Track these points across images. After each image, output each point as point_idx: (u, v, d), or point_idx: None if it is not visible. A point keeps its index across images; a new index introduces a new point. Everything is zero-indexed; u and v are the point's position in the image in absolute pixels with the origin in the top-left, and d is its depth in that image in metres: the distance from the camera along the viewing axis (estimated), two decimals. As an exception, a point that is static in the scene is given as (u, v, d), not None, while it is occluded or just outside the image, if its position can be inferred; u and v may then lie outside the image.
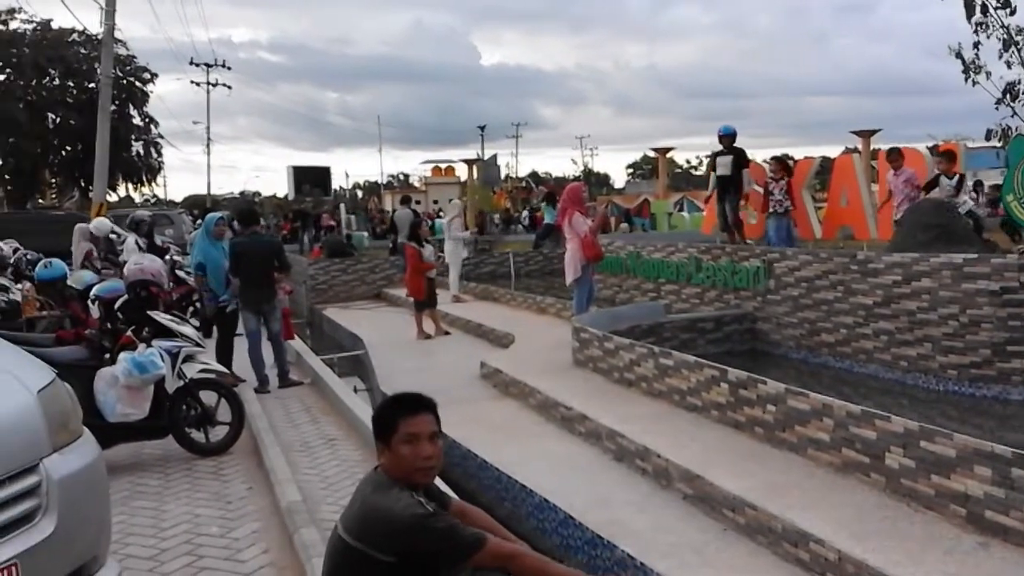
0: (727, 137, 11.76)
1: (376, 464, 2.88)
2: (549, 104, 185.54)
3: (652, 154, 52.45)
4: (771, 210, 11.59)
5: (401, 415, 2.77)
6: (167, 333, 6.10)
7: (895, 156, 11.00)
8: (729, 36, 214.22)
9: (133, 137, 36.85)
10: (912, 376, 8.06)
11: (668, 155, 32.41)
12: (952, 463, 4.35)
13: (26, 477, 2.60)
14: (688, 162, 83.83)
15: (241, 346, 8.58)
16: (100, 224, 12.32)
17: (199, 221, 18.97)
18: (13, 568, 2.45)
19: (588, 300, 10.16)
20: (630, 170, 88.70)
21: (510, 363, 9.14)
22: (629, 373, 7.60)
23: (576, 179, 61.25)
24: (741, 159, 11.73)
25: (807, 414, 5.39)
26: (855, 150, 20.81)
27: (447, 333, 12.26)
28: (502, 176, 49.68)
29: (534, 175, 76.97)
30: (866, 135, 20.16)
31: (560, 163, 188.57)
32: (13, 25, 35.07)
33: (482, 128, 64.69)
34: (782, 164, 12.07)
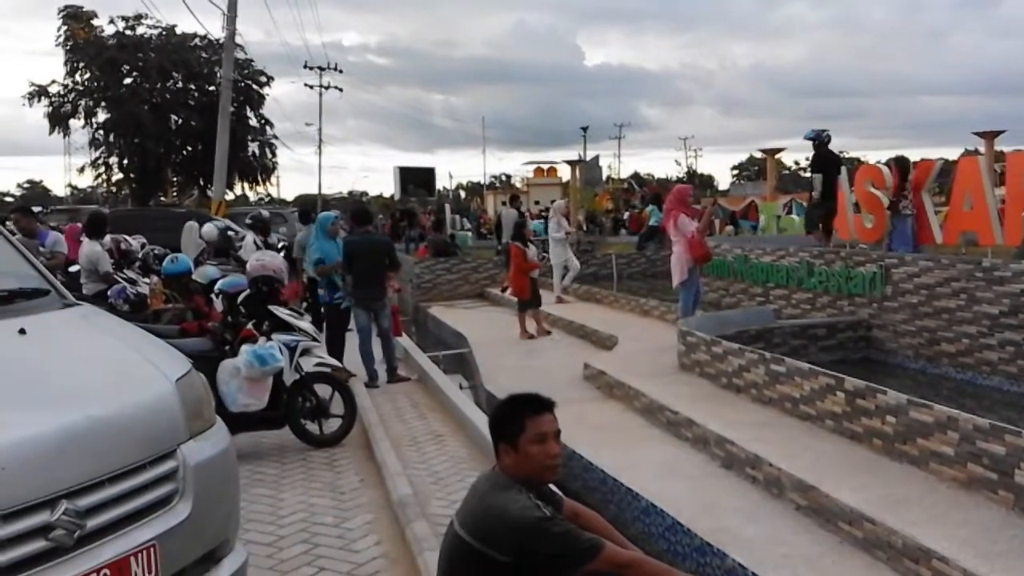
0: (811, 141, 11.71)
1: (494, 464, 2.91)
2: (652, 104, 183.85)
3: (759, 155, 51.31)
4: (893, 213, 11.14)
5: (527, 415, 2.80)
6: (286, 327, 6.32)
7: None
8: (840, 33, 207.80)
9: (249, 138, 38.28)
10: (1041, 390, 7.65)
11: (776, 156, 31.61)
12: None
13: (165, 462, 2.73)
14: (797, 163, 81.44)
15: (352, 342, 8.81)
16: (209, 230, 12.90)
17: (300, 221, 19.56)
18: (152, 549, 2.57)
19: (694, 304, 10.02)
20: (735, 171, 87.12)
21: (614, 365, 9.09)
22: (738, 379, 7.45)
23: (681, 181, 60.47)
24: (818, 162, 11.65)
25: (930, 427, 5.18)
26: (975, 152, 19.88)
27: (549, 333, 12.26)
28: (604, 177, 49.51)
29: (636, 176, 76.46)
30: (989, 136, 19.22)
31: (663, 164, 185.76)
32: (140, 30, 36.91)
33: (584, 129, 64.66)
34: (902, 166, 11.61)
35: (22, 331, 2.75)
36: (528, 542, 2.65)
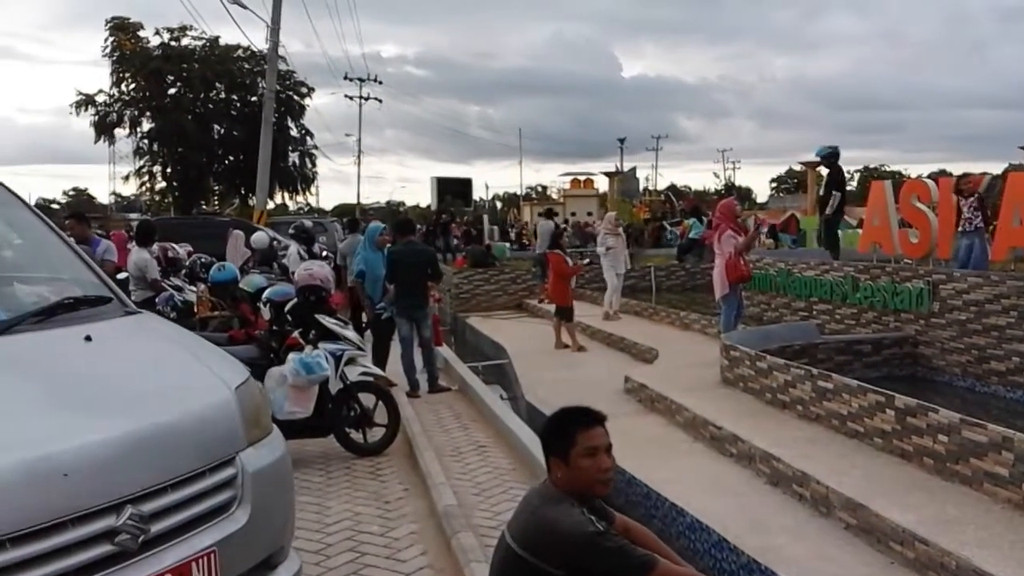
0: (824, 159, 12.05)
1: (545, 477, 2.91)
2: (691, 116, 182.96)
3: (798, 167, 50.83)
4: (960, 229, 10.97)
5: (578, 428, 2.79)
6: (332, 336, 6.37)
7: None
8: (883, 46, 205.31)
9: (290, 148, 38.80)
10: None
11: (817, 168, 31.29)
12: None
13: (224, 469, 2.75)
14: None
15: (393, 351, 8.86)
16: (258, 238, 13.10)
17: (347, 230, 19.72)
18: (212, 555, 2.59)
19: (736, 318, 9.94)
20: (773, 184, 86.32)
21: (655, 378, 9.04)
22: (783, 394, 7.37)
23: (719, 193, 60.04)
24: (836, 179, 11.95)
25: (984, 446, 5.08)
26: (1020, 166, 19.49)
27: (582, 349, 12.18)
28: (641, 189, 49.34)
29: (672, 188, 76.05)
30: (1037, 150, 18.86)
31: (701, 176, 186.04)
32: (184, 41, 37.59)
33: (622, 141, 64.55)
34: (967, 180, 11.42)
35: (88, 338, 2.80)
36: (581, 556, 2.64)
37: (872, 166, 79.88)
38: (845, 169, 12.63)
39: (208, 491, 2.68)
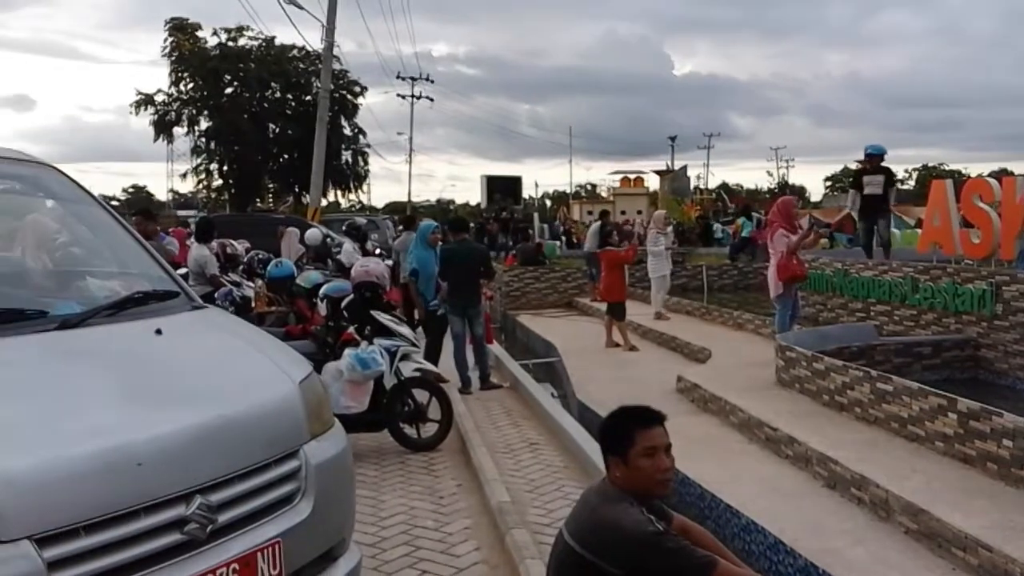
0: (877, 157, 11.95)
1: (604, 476, 2.90)
2: (743, 114, 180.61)
3: (854, 166, 49.88)
4: None
5: (638, 428, 2.78)
6: (387, 332, 6.44)
7: None
8: (941, 42, 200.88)
9: (343, 146, 39.25)
10: None
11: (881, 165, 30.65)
12: None
13: (288, 461, 2.80)
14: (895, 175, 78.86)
15: (446, 348, 8.91)
16: (314, 235, 13.29)
17: (400, 227, 19.89)
18: (276, 545, 2.63)
19: (791, 319, 9.80)
20: (828, 183, 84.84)
21: (708, 378, 8.96)
22: (841, 396, 7.25)
23: (772, 192, 59.16)
24: (891, 178, 11.89)
25: (1051, 452, 4.95)
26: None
27: (634, 348, 12.11)
28: (692, 188, 48.86)
29: (724, 187, 75.20)
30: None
31: (753, 175, 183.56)
32: (241, 42, 38.25)
33: (672, 139, 64.03)
34: None
35: (158, 331, 2.87)
36: (641, 557, 2.63)
37: (931, 165, 78.09)
38: (902, 168, 12.53)
39: (273, 483, 2.72)
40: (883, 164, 11.99)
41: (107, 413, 2.43)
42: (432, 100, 52.27)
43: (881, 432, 6.59)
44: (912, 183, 64.01)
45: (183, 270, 9.51)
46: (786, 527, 5.21)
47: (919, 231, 15.38)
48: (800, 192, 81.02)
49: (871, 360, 8.70)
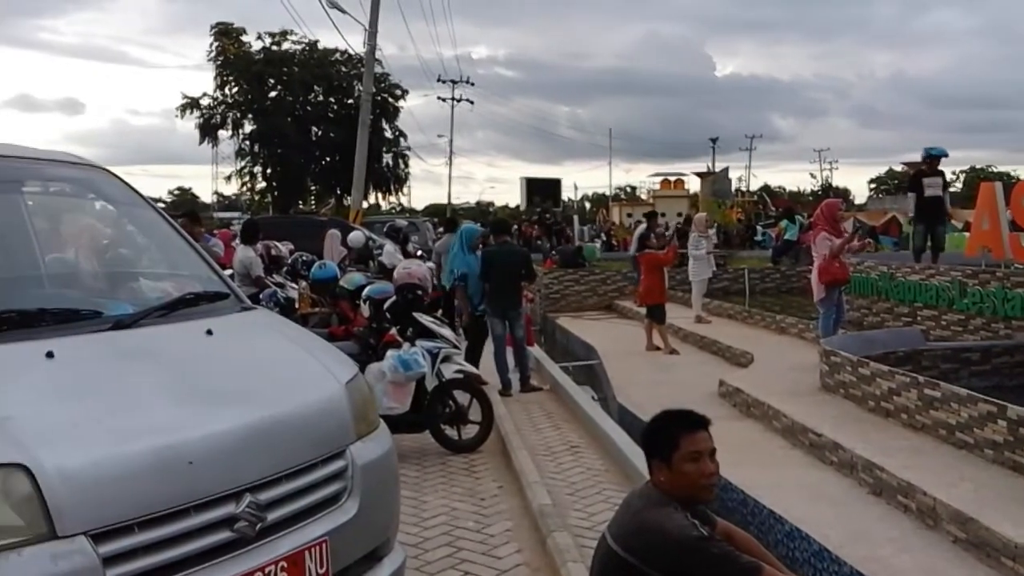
0: (937, 159, 11.81)
1: (647, 479, 2.90)
2: (785, 116, 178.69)
3: (900, 168, 49.12)
4: None
5: (682, 432, 2.77)
6: (429, 334, 6.48)
7: None
8: (990, 42, 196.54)
9: (384, 149, 39.55)
10: None
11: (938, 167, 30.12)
12: None
13: (335, 461, 2.84)
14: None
15: (486, 350, 8.94)
16: (355, 237, 13.44)
17: (440, 229, 20.00)
18: (323, 544, 2.67)
19: (836, 323, 9.68)
20: (872, 185, 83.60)
21: (751, 383, 8.87)
22: (887, 402, 7.14)
23: (816, 194, 58.38)
24: (945, 181, 11.84)
25: (1106, 462, 4.83)
26: None
27: (674, 352, 12.01)
28: (733, 190, 48.41)
29: (766, 189, 74.42)
30: None
31: (796, 177, 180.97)
32: (284, 46, 38.73)
33: (714, 140, 63.63)
34: None
35: (209, 332, 2.92)
36: (686, 561, 2.62)
37: (979, 166, 76.46)
38: (949, 170, 12.39)
39: (320, 482, 2.76)
40: (939, 168, 11.88)
41: (160, 412, 2.48)
42: (472, 103, 52.57)
43: (928, 439, 6.47)
44: (960, 185, 62.70)
45: (228, 271, 9.67)
46: (831, 534, 5.14)
47: (967, 234, 15.11)
48: (844, 195, 79.96)
49: (917, 365, 8.55)
